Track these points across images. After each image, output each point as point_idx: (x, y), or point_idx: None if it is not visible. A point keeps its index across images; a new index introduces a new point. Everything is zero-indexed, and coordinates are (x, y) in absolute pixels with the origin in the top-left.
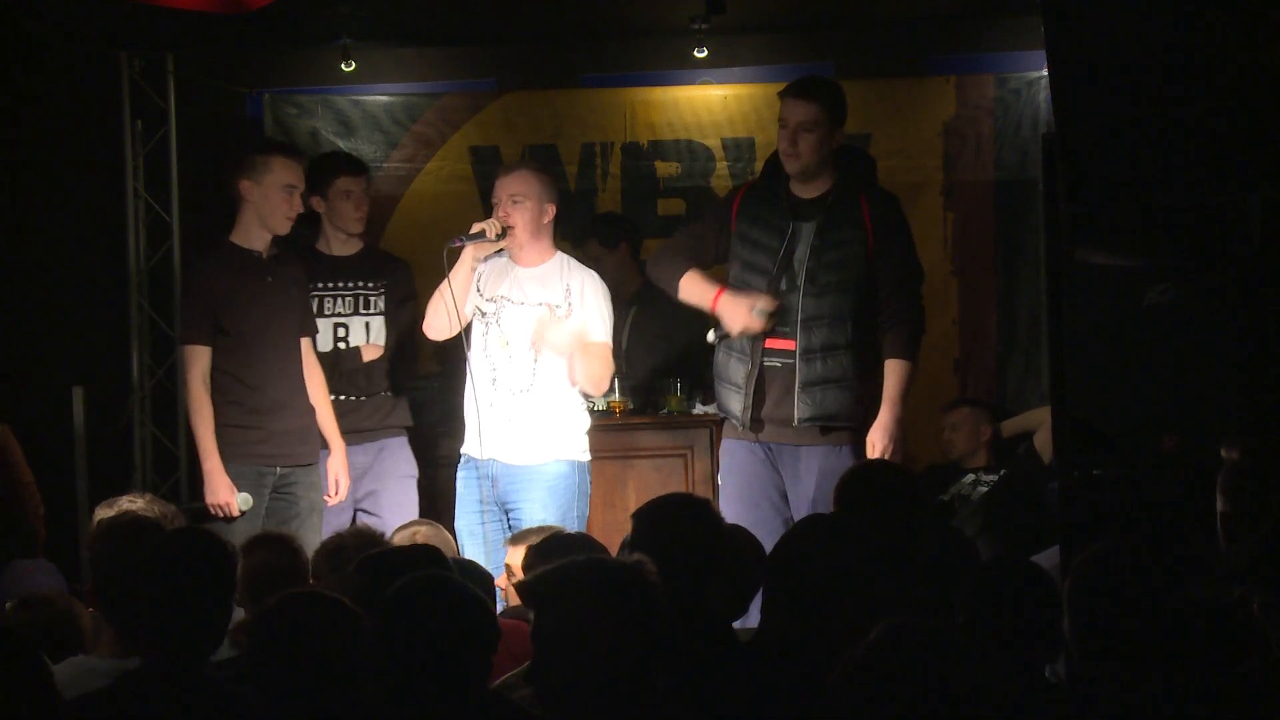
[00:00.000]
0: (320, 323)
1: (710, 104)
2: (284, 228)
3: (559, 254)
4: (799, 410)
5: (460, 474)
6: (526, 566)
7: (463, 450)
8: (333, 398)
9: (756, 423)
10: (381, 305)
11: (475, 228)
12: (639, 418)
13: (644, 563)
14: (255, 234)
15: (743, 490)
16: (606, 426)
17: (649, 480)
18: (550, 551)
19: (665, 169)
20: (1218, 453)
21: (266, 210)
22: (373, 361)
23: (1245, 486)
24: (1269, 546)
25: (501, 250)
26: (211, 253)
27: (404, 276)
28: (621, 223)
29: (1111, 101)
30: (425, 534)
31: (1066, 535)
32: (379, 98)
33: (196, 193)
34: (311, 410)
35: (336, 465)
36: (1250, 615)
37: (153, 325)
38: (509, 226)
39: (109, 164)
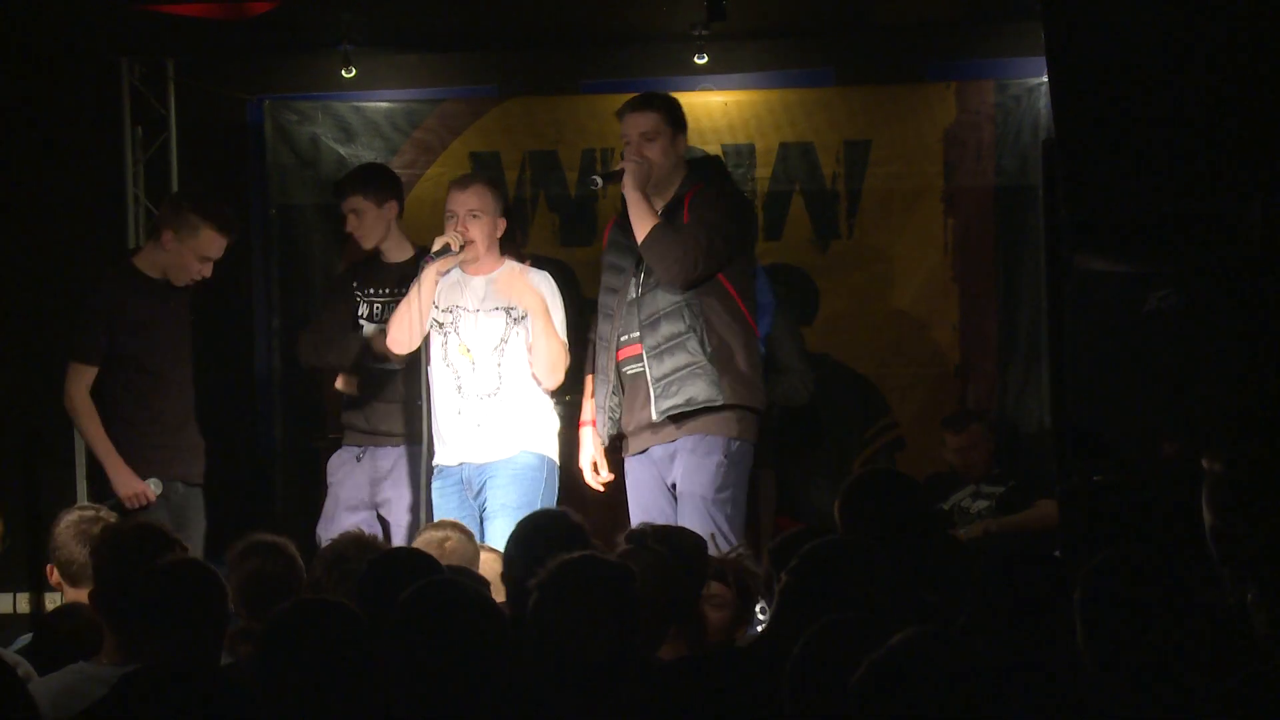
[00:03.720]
0: (369, 329)
1: (711, 110)
2: (182, 284)
3: (507, 261)
4: (656, 405)
5: (435, 484)
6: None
7: (435, 462)
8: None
9: (624, 439)
10: None
11: (438, 243)
12: None
13: (627, 562)
14: (154, 270)
15: (636, 502)
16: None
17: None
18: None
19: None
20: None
21: (177, 268)
22: (399, 367)
23: (1233, 498)
24: (1264, 558)
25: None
26: (113, 273)
27: None
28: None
29: (1112, 108)
30: (456, 540)
31: (1067, 541)
32: (380, 104)
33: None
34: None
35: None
36: (1249, 623)
37: None
38: (469, 241)
39: (109, 169)
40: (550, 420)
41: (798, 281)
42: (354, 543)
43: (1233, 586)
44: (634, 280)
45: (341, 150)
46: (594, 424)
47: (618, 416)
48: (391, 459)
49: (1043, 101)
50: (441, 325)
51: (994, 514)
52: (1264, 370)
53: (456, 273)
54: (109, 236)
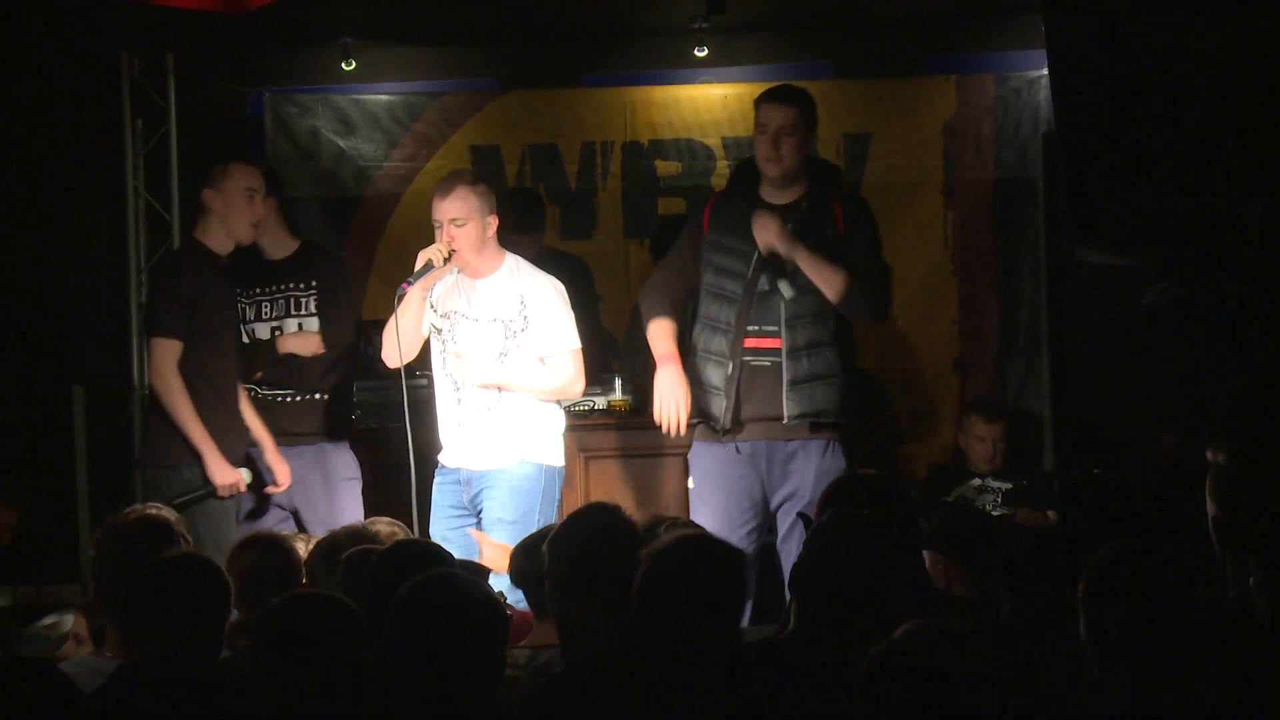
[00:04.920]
0: (259, 327)
1: (710, 103)
2: (248, 235)
3: (507, 257)
4: (788, 407)
5: (436, 479)
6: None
7: (439, 458)
8: (271, 394)
9: (737, 424)
10: (313, 306)
11: (421, 260)
12: (640, 417)
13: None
14: (220, 241)
15: (718, 492)
16: (607, 426)
17: (650, 479)
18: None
19: (666, 168)
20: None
21: (231, 216)
22: (306, 361)
23: (1236, 489)
24: (1267, 550)
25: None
26: (186, 251)
27: (340, 276)
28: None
29: (1112, 102)
30: (387, 531)
31: (1067, 535)
32: (379, 97)
33: (197, 192)
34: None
35: (275, 455)
36: (1253, 617)
37: None
38: (454, 251)
39: (109, 163)
40: (553, 426)
41: None
42: (350, 535)
43: (1235, 578)
44: (768, 273)
45: (341, 143)
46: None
47: (736, 401)
48: (308, 458)
49: (1042, 95)
50: (441, 332)
51: (998, 508)
52: (1262, 363)
53: (455, 275)
54: (110, 229)
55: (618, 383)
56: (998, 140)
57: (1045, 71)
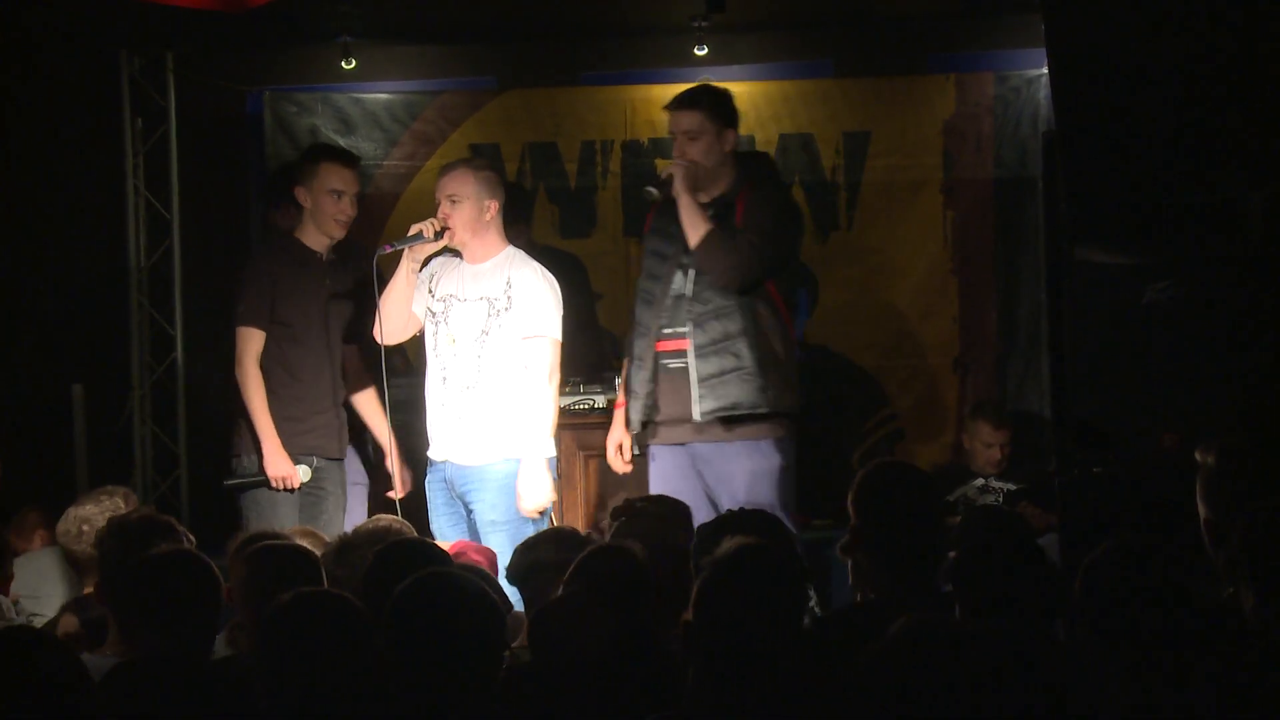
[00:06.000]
0: None
1: None
2: (336, 230)
3: (509, 248)
4: (699, 405)
5: (427, 478)
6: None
7: (427, 454)
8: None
9: (652, 426)
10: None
11: (413, 230)
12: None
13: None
14: (314, 236)
15: (664, 488)
16: (607, 425)
17: (648, 478)
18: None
19: (665, 166)
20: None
21: (318, 215)
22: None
23: (1225, 490)
24: (1254, 550)
25: (458, 253)
26: (275, 244)
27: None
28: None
29: (1112, 100)
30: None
31: (1066, 532)
32: (379, 95)
33: (196, 190)
34: (342, 408)
35: (397, 461)
36: (1243, 615)
37: (153, 323)
38: (446, 227)
39: (109, 162)
40: (530, 415)
41: (796, 273)
42: (366, 535)
43: (1227, 578)
44: (682, 273)
45: (341, 142)
46: (624, 406)
47: (652, 403)
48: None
49: (1042, 93)
50: (435, 315)
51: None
52: (1262, 362)
53: (458, 260)
54: (110, 228)
55: (617, 382)
56: (997, 139)
57: (1045, 70)
